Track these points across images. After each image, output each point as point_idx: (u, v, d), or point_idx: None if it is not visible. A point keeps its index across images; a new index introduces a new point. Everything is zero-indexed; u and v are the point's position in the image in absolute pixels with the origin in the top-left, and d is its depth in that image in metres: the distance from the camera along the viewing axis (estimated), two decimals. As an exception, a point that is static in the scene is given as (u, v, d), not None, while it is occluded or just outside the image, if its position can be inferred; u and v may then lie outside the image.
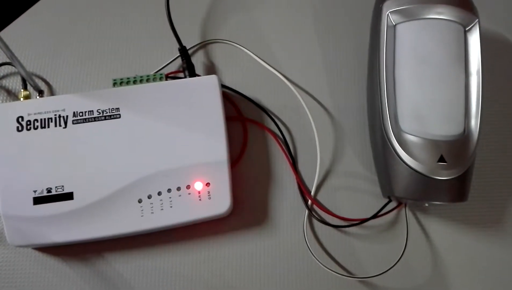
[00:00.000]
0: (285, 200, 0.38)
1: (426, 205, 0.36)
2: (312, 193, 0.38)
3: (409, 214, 0.38)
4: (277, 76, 0.40)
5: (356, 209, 0.38)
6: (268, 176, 0.38)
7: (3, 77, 0.41)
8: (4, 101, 0.40)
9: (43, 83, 0.41)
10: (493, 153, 0.39)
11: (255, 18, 0.43)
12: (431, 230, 0.37)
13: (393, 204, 0.37)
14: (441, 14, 0.36)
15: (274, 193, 0.38)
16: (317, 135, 0.38)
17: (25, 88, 0.39)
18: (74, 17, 0.43)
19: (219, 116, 0.36)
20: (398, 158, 0.34)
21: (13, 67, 0.41)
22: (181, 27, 0.40)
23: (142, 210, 0.34)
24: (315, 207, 0.38)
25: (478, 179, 0.38)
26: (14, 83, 0.41)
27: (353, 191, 0.38)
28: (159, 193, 0.35)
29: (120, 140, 0.35)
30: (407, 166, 0.34)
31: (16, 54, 0.35)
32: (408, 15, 0.37)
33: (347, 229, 0.37)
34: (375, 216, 0.36)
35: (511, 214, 0.38)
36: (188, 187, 0.35)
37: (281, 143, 0.39)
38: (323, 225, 0.37)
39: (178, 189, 0.35)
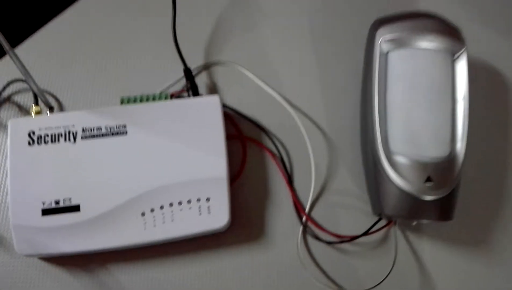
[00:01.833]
0: (281, 216, 0.40)
1: (414, 223, 0.38)
2: (307, 210, 0.40)
3: (398, 232, 0.39)
4: (275, 97, 0.42)
5: (348, 226, 0.39)
6: (265, 192, 0.40)
7: (15, 93, 0.43)
8: (15, 116, 0.42)
9: (53, 100, 0.43)
10: (478, 174, 0.41)
11: (256, 41, 0.45)
12: (419, 247, 0.39)
13: (383, 222, 0.39)
14: (431, 42, 0.39)
15: (271, 209, 0.40)
16: (312, 154, 0.40)
17: (36, 104, 0.41)
18: (85, 36, 0.45)
19: (219, 135, 0.38)
20: (388, 178, 0.36)
21: (24, 83, 0.43)
22: (186, 48, 0.42)
23: (145, 223, 0.36)
24: (309, 223, 0.39)
25: (465, 199, 0.40)
26: (25, 99, 0.43)
27: (346, 208, 0.40)
28: (162, 207, 0.37)
29: (126, 156, 0.37)
30: (396, 186, 0.36)
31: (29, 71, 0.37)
32: (399, 43, 0.39)
33: (339, 245, 0.39)
34: (365, 233, 0.38)
35: (496, 233, 0.40)
36: (189, 201, 0.37)
37: (278, 161, 0.41)
38: (317, 241, 0.39)
39: (180, 203, 0.37)
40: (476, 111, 0.41)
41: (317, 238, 0.39)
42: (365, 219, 0.39)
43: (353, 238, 0.38)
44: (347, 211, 0.40)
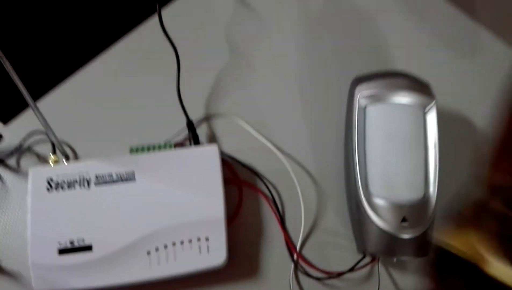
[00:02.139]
0: (274, 254, 0.44)
1: (395, 260, 0.42)
2: (298, 248, 0.44)
3: (382, 269, 0.43)
4: (268, 145, 0.47)
5: (336, 263, 0.43)
6: (259, 232, 0.44)
7: (34, 143, 0.48)
8: (34, 164, 0.47)
9: (69, 149, 0.48)
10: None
11: (250, 95, 0.51)
12: (401, 283, 0.43)
13: (368, 259, 0.43)
14: (404, 98, 0.44)
15: (265, 248, 0.44)
16: (302, 197, 0.45)
17: (54, 153, 0.46)
18: (98, 93, 0.51)
19: (218, 180, 0.43)
20: (368, 218, 0.40)
21: (42, 134, 0.48)
22: (188, 101, 0.47)
23: (150, 261, 0.40)
24: (300, 261, 0.43)
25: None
26: (43, 148, 0.48)
27: (333, 246, 0.44)
28: (165, 246, 0.40)
29: (134, 200, 0.42)
30: (375, 225, 0.40)
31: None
32: (376, 99, 0.44)
33: (327, 281, 0.42)
34: (351, 269, 0.42)
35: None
36: (190, 241, 0.41)
37: (271, 204, 0.45)
38: (307, 277, 0.43)
39: (182, 243, 0.41)
40: (447, 157, 0.45)
41: (307, 274, 0.43)
42: (351, 257, 0.43)
43: (339, 274, 0.42)
44: (335, 249, 0.44)
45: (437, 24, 0.55)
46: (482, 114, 0.49)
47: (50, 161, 0.45)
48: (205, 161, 0.44)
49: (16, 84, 0.38)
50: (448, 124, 0.49)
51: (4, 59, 0.35)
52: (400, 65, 0.52)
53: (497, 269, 0.19)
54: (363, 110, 0.44)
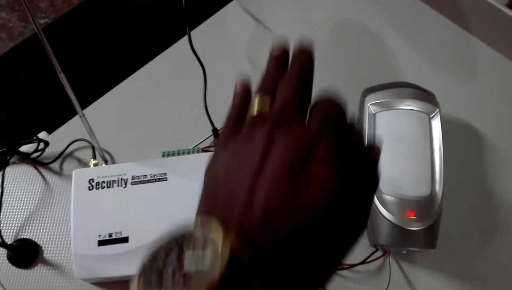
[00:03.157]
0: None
1: (404, 252, 0.45)
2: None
3: (393, 262, 0.46)
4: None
5: (351, 256, 0.46)
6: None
7: (75, 149, 0.54)
8: (76, 167, 0.52)
9: (107, 154, 0.53)
10: (460, 211, 0.49)
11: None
12: (411, 275, 0.46)
13: (380, 253, 0.46)
14: (410, 106, 0.48)
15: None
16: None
17: (94, 158, 0.51)
18: (134, 104, 0.56)
19: (241, 180, 0.47)
20: (379, 213, 0.44)
21: (83, 141, 0.53)
22: (214, 111, 0.53)
23: (180, 252, 0.44)
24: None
25: (449, 232, 0.47)
26: (83, 154, 0.53)
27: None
28: (194, 239, 0.45)
29: (165, 197, 0.46)
30: (386, 219, 0.43)
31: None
32: (384, 106, 0.49)
33: (341, 272, 0.46)
34: (363, 262, 0.45)
35: (478, 261, 0.46)
36: (217, 234, 0.45)
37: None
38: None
39: (209, 235, 0.45)
40: (452, 158, 0.49)
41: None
42: (365, 251, 0.46)
43: (351, 266, 0.45)
44: (349, 244, 0.47)
45: (438, 39, 0.59)
46: (483, 120, 0.53)
47: (90, 164, 0.51)
48: (229, 163, 0.48)
49: (69, 96, 0.43)
50: (452, 129, 0.53)
51: (62, 74, 0.41)
52: (407, 77, 0.57)
53: None
54: (373, 117, 0.49)
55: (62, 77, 0.40)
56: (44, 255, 0.48)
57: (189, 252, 0.19)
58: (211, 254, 0.19)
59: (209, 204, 0.24)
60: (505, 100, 0.55)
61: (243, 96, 0.28)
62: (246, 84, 0.29)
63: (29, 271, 0.47)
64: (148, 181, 0.47)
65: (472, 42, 0.59)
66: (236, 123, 0.26)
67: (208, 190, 0.25)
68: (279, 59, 0.29)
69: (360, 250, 0.47)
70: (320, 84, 0.57)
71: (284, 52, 0.29)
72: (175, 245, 0.20)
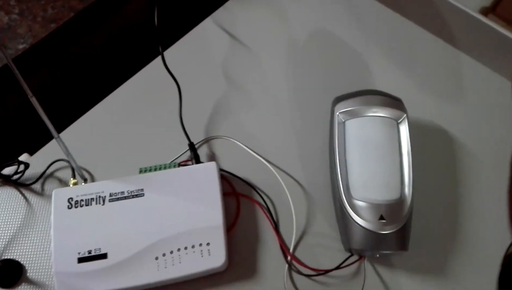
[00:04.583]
0: (270, 257, 0.48)
1: (378, 255, 0.46)
2: (291, 250, 0.48)
3: (368, 266, 0.47)
4: (262, 161, 0.53)
5: (326, 262, 0.48)
6: (256, 237, 0.49)
7: (56, 169, 0.55)
8: (57, 187, 0.54)
9: (87, 173, 0.54)
10: (427, 213, 0.50)
11: (244, 119, 0.57)
12: (387, 278, 0.47)
13: (355, 257, 0.47)
14: (378, 112, 0.50)
15: (261, 251, 0.49)
16: (293, 204, 0.50)
17: (74, 177, 0.52)
18: (111, 123, 0.58)
19: (216, 192, 0.48)
20: (350, 218, 0.45)
21: (63, 161, 0.54)
22: (191, 127, 0.54)
23: (158, 265, 0.45)
24: (293, 261, 0.48)
25: (422, 234, 0.48)
26: (64, 173, 0.54)
27: (323, 247, 0.49)
28: (171, 252, 0.46)
29: (143, 213, 0.47)
30: (357, 224, 0.44)
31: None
32: (353, 114, 0.50)
33: (317, 278, 0.47)
34: (338, 267, 0.46)
35: (449, 261, 0.47)
36: (192, 246, 0.46)
37: (266, 212, 0.51)
38: (300, 275, 0.47)
39: (185, 248, 0.46)
40: (420, 161, 0.50)
41: (299, 273, 0.47)
42: (340, 256, 0.47)
43: (327, 271, 0.46)
44: (325, 249, 0.48)
45: (409, 45, 0.61)
46: (453, 123, 0.55)
47: (70, 184, 0.52)
48: (205, 176, 0.49)
49: (43, 119, 0.44)
50: (423, 133, 0.54)
51: (34, 98, 0.42)
52: (378, 84, 0.58)
53: None
54: (342, 124, 0.50)
55: (34, 101, 0.41)
56: (28, 274, 0.49)
57: None
58: None
59: None
60: (475, 102, 0.56)
61: None
62: None
63: (12, 291, 0.48)
64: (125, 198, 0.48)
65: (443, 47, 0.60)
66: None
67: None
68: None
69: (336, 256, 0.48)
70: (293, 94, 0.59)
71: None
72: None
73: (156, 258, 0.46)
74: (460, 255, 0.48)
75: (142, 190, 0.49)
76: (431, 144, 0.54)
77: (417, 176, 0.49)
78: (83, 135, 0.57)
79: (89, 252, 0.46)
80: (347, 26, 0.63)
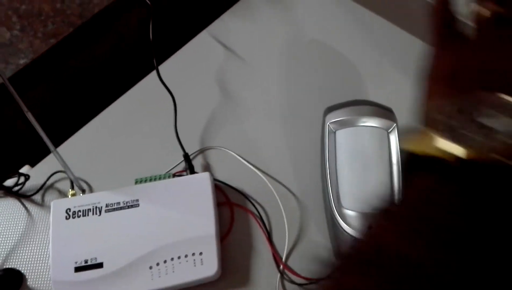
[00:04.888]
0: (263, 266, 0.49)
1: (368, 264, 0.47)
2: (283, 259, 0.49)
3: (360, 274, 0.48)
4: (255, 171, 0.54)
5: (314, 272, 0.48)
6: (249, 247, 0.50)
7: (56, 181, 0.57)
8: (56, 198, 0.55)
9: (85, 184, 0.56)
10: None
11: (238, 130, 0.58)
12: (377, 286, 0.47)
13: (346, 266, 0.47)
14: (368, 122, 0.50)
15: (255, 260, 0.49)
16: (285, 214, 0.51)
17: (72, 188, 0.54)
18: (108, 136, 0.59)
19: (209, 202, 0.49)
20: (340, 227, 0.46)
21: (62, 173, 0.56)
22: (186, 138, 0.55)
23: (152, 274, 0.46)
24: (285, 270, 0.48)
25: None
26: (63, 185, 0.56)
27: (315, 256, 0.49)
28: (165, 261, 0.47)
29: (138, 223, 0.49)
30: (347, 233, 0.45)
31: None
32: (344, 124, 0.51)
33: (308, 286, 0.47)
34: (329, 276, 0.47)
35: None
36: (186, 256, 0.47)
37: (259, 221, 0.51)
38: (292, 284, 0.48)
39: (179, 257, 0.47)
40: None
41: (291, 281, 0.48)
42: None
43: (318, 280, 0.47)
44: (315, 257, 0.49)
45: (402, 54, 0.62)
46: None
47: (69, 195, 0.53)
48: (198, 186, 0.51)
49: (39, 133, 0.46)
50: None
51: (29, 113, 0.44)
52: (370, 94, 0.59)
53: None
54: (333, 134, 0.51)
55: (30, 116, 0.43)
56: (28, 283, 0.51)
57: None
58: None
59: None
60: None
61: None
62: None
63: (12, 300, 0.50)
64: (121, 208, 0.50)
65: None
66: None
67: None
68: None
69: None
70: (286, 105, 0.60)
71: None
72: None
73: (150, 267, 0.47)
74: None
75: (137, 200, 0.50)
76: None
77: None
78: (82, 147, 0.58)
79: (86, 261, 0.47)
80: (340, 36, 0.64)
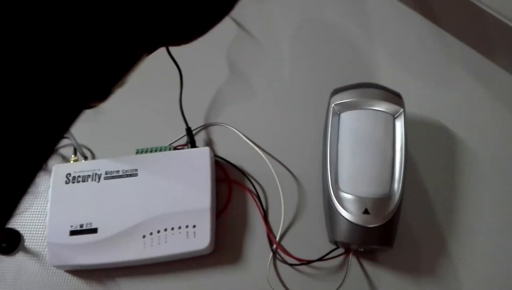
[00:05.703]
0: (256, 244, 0.49)
1: (362, 249, 0.46)
2: (277, 239, 0.48)
3: (354, 261, 0.47)
4: (255, 149, 0.53)
5: (311, 253, 0.47)
6: (245, 224, 0.50)
7: (60, 147, 0.57)
8: (60, 163, 0.56)
9: (88, 151, 0.56)
10: (418, 210, 0.49)
11: (243, 106, 0.57)
12: (371, 273, 0.46)
13: (341, 250, 0.47)
14: (374, 106, 0.49)
15: (248, 238, 0.49)
16: (282, 194, 0.50)
17: (75, 154, 0.54)
18: (111, 104, 0.59)
19: (207, 176, 0.49)
20: (335, 210, 0.45)
21: (67, 140, 0.57)
22: (190, 113, 0.55)
23: (144, 243, 0.46)
24: (278, 250, 0.48)
25: (408, 231, 0.47)
26: (67, 151, 0.57)
27: (310, 238, 0.48)
28: (158, 231, 0.47)
29: (135, 192, 0.49)
30: (341, 216, 0.44)
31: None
32: (349, 107, 0.49)
33: (299, 267, 0.47)
34: (320, 259, 0.46)
35: (437, 259, 0.46)
36: (179, 227, 0.47)
37: (256, 200, 0.51)
38: (283, 265, 0.47)
39: (172, 228, 0.47)
40: (415, 157, 0.49)
41: (283, 261, 0.47)
42: (326, 248, 0.47)
43: (309, 262, 0.46)
44: (311, 240, 0.48)
45: (412, 38, 0.59)
46: (455, 120, 0.53)
47: (71, 160, 0.54)
48: (198, 161, 0.50)
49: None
50: (423, 130, 0.53)
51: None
52: (380, 77, 0.57)
53: None
54: (337, 116, 0.49)
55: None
56: (25, 244, 0.51)
57: None
58: None
59: None
60: (479, 99, 0.55)
61: None
62: None
63: (10, 257, 0.51)
64: (120, 177, 0.50)
65: (444, 38, 0.58)
66: None
67: None
68: None
69: (321, 247, 0.47)
70: (294, 85, 0.59)
71: None
72: None
73: (144, 236, 0.47)
74: (450, 255, 0.47)
75: (136, 170, 0.50)
76: (429, 141, 0.53)
77: (411, 173, 0.48)
78: (87, 115, 0.59)
79: (81, 226, 0.48)
80: (351, 19, 0.62)
